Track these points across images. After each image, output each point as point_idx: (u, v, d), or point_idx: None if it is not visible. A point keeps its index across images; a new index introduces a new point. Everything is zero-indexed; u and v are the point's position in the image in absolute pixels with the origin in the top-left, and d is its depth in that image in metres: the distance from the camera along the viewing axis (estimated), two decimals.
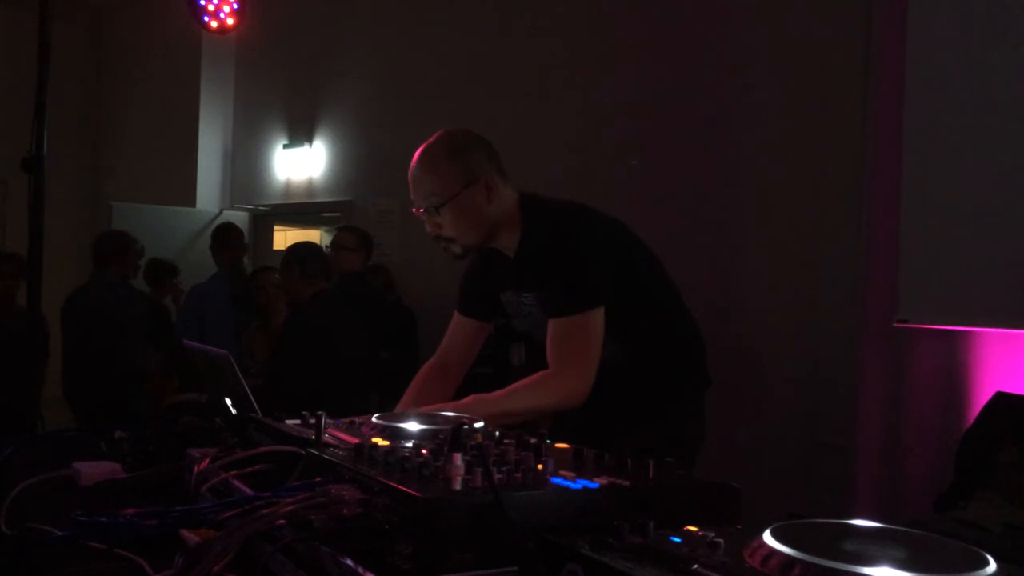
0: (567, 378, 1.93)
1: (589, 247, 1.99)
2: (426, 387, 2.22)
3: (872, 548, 0.82)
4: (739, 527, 0.94)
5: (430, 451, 1.16)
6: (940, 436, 3.36)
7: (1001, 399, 3.09)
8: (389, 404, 2.29)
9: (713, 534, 0.88)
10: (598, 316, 1.95)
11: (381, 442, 1.27)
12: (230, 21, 7.18)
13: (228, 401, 1.84)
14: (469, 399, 1.95)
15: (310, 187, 7.19)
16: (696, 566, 0.81)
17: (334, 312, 3.89)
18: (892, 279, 3.59)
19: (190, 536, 1.05)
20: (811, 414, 3.93)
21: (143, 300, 5.16)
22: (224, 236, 5.48)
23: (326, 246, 5.15)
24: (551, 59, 5.27)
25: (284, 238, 7.97)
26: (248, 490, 1.22)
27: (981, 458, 2.98)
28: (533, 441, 1.27)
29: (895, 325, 3.57)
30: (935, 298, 3.49)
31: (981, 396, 3.22)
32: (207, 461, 1.35)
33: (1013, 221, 3.27)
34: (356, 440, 1.27)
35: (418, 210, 2.05)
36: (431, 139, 2.05)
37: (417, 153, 2.05)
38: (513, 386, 1.99)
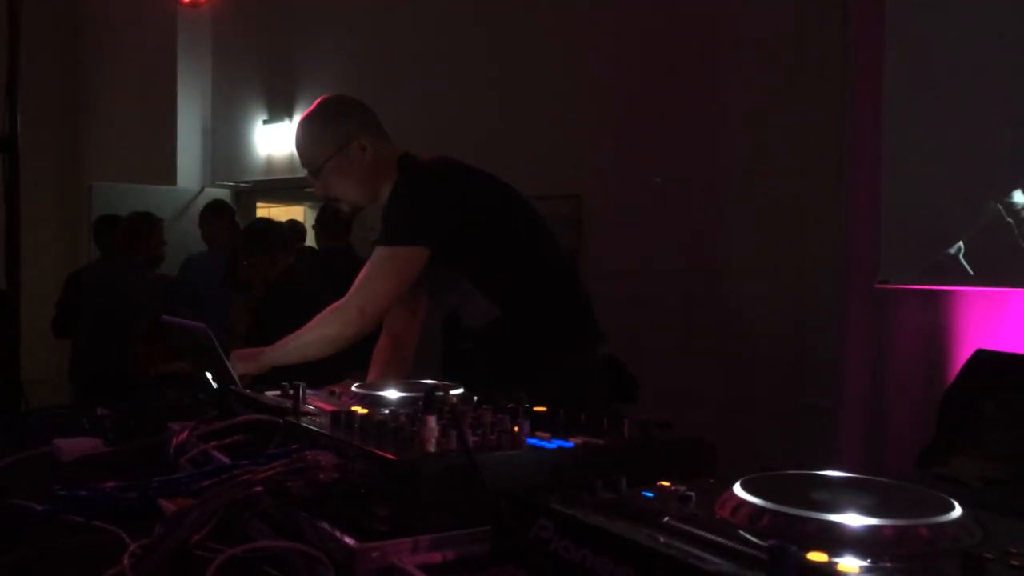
0: (346, 308, 2.00)
1: (424, 192, 2.06)
2: (385, 362, 2.27)
3: (840, 496, 0.83)
4: (711, 481, 0.95)
5: (407, 416, 1.16)
6: (922, 394, 3.40)
7: (982, 356, 3.12)
8: None
9: (685, 488, 0.89)
10: (406, 253, 2.02)
11: (359, 410, 1.28)
12: None
13: (209, 375, 1.84)
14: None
15: (292, 162, 7.14)
16: (667, 519, 0.81)
17: (302, 283, 3.88)
18: (874, 241, 3.61)
19: (168, 505, 1.05)
20: (795, 376, 3.96)
21: (162, 287, 5.15)
22: (209, 211, 5.50)
23: (312, 224, 5.14)
24: (535, 31, 5.23)
25: (268, 215, 7.93)
26: (227, 460, 1.23)
27: (962, 415, 3.02)
28: (510, 405, 1.28)
29: (876, 286, 3.60)
30: (916, 259, 3.51)
31: (962, 354, 3.25)
32: (186, 433, 1.35)
33: (992, 180, 3.29)
34: (334, 408, 1.28)
35: (307, 175, 2.18)
36: (309, 108, 2.18)
37: (298, 123, 2.18)
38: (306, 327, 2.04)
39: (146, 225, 4.94)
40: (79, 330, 4.94)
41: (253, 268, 4.12)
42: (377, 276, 2.02)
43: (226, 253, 5.23)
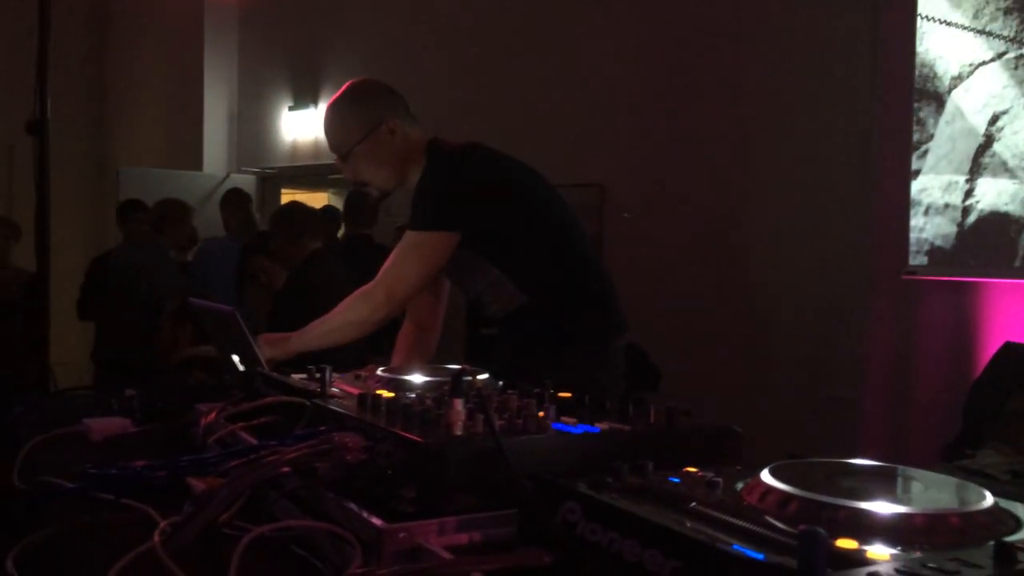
0: (374, 292, 2.01)
1: (452, 178, 2.07)
2: (409, 348, 2.29)
3: (869, 484, 0.83)
4: (738, 468, 0.95)
5: (433, 400, 1.17)
6: (948, 387, 3.36)
7: (1009, 349, 3.09)
8: None
9: (712, 474, 0.89)
10: (435, 238, 2.04)
11: (385, 393, 1.28)
12: None
13: (235, 357, 1.85)
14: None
15: (317, 149, 7.17)
16: (694, 504, 0.81)
17: (326, 271, 3.89)
18: (901, 231, 3.58)
19: (197, 484, 1.06)
20: (819, 367, 3.94)
21: (179, 275, 5.22)
22: (224, 199, 5.59)
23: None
24: (560, 19, 5.20)
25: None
26: (255, 441, 1.24)
27: (989, 408, 2.99)
28: (536, 390, 1.28)
29: (903, 277, 3.57)
30: (943, 250, 3.47)
31: (990, 346, 3.22)
32: (214, 414, 1.36)
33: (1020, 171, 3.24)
34: (361, 391, 1.28)
35: (335, 159, 2.18)
36: (338, 92, 2.18)
37: (326, 107, 2.18)
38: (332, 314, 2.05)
39: (177, 212, 5.03)
40: (102, 312, 5.02)
41: (277, 254, 4.14)
42: (406, 261, 2.03)
43: (238, 240, 5.30)
